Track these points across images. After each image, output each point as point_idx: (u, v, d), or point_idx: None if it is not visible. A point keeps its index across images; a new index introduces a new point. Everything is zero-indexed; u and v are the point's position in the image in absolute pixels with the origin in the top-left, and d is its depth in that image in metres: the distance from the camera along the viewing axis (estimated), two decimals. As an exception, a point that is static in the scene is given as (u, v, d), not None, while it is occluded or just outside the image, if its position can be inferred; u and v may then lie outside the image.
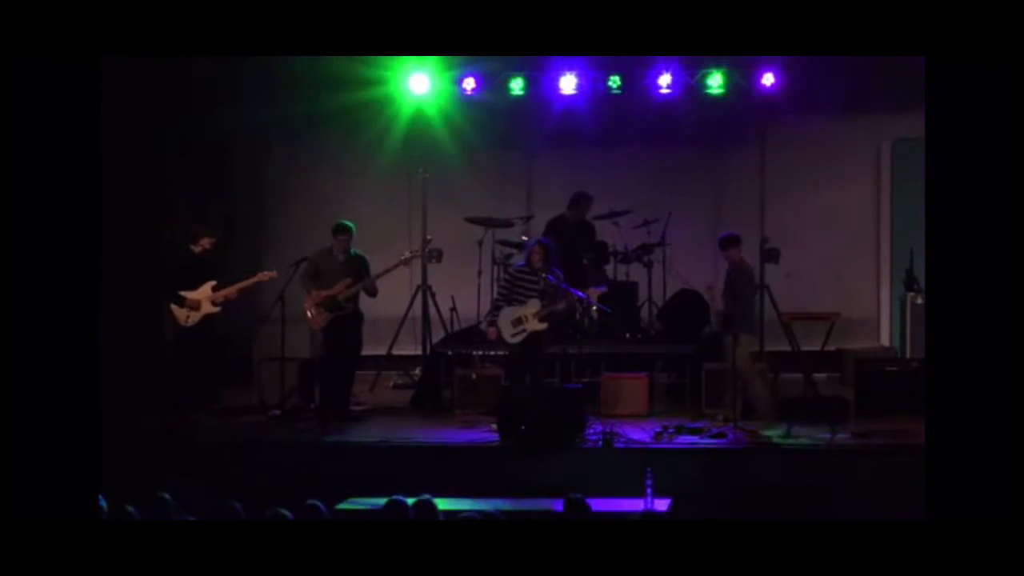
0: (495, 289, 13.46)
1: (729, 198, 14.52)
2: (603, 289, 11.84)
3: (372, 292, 11.97)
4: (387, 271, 11.95)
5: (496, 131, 14.34)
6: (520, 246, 13.00)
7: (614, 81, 13.59)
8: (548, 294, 11.36)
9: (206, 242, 12.12)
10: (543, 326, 11.41)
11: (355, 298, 11.92)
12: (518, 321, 11.42)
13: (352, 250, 11.97)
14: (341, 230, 11.90)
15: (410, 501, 7.49)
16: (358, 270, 11.92)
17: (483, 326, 12.89)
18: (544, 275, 11.37)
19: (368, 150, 14.37)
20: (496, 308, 11.68)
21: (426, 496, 7.54)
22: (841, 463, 10.53)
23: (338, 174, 14.54)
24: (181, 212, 13.87)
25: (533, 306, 11.38)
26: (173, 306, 11.97)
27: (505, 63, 13.63)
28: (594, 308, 11.69)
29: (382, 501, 7.68)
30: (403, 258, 12.04)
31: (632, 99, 13.78)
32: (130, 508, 7.25)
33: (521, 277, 11.54)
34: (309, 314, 11.92)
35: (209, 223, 12.81)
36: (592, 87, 13.67)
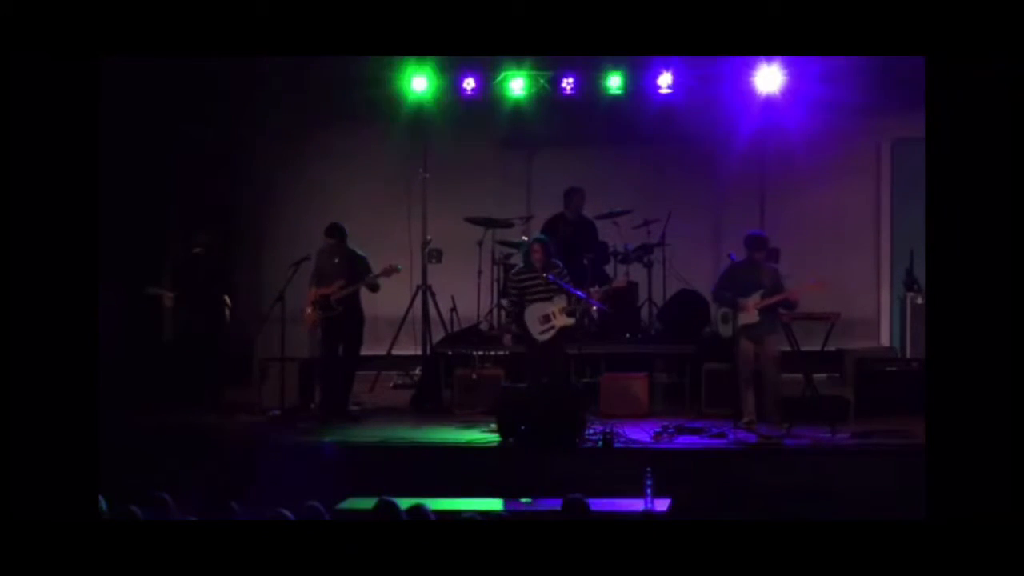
0: (495, 289, 13.49)
1: (729, 198, 14.52)
2: (623, 281, 11.80)
3: (373, 288, 11.97)
4: (376, 276, 11.92)
5: (496, 131, 14.34)
6: (519, 246, 13.01)
7: (614, 81, 13.61)
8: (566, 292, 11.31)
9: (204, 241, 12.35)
10: (571, 321, 11.35)
11: (348, 300, 11.88)
12: (546, 318, 11.33)
13: (351, 249, 11.96)
14: (330, 232, 11.90)
15: (405, 504, 7.45)
16: (355, 271, 11.90)
17: (483, 325, 12.89)
18: (545, 275, 11.33)
19: (368, 150, 14.38)
20: (513, 316, 11.58)
21: (419, 501, 7.48)
22: (841, 463, 10.52)
23: (338, 174, 14.54)
24: (181, 212, 13.90)
25: (559, 301, 11.33)
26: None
27: (505, 63, 13.63)
28: (594, 308, 11.66)
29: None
30: (386, 269, 11.95)
31: (632, 99, 13.79)
32: (135, 508, 7.25)
33: (526, 278, 11.48)
34: (305, 312, 11.95)
35: (206, 226, 12.87)
36: (592, 87, 13.68)
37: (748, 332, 11.32)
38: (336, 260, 11.92)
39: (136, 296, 12.67)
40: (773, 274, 11.48)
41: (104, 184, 7.34)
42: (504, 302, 12.14)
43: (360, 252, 12.05)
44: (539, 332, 11.35)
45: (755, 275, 11.39)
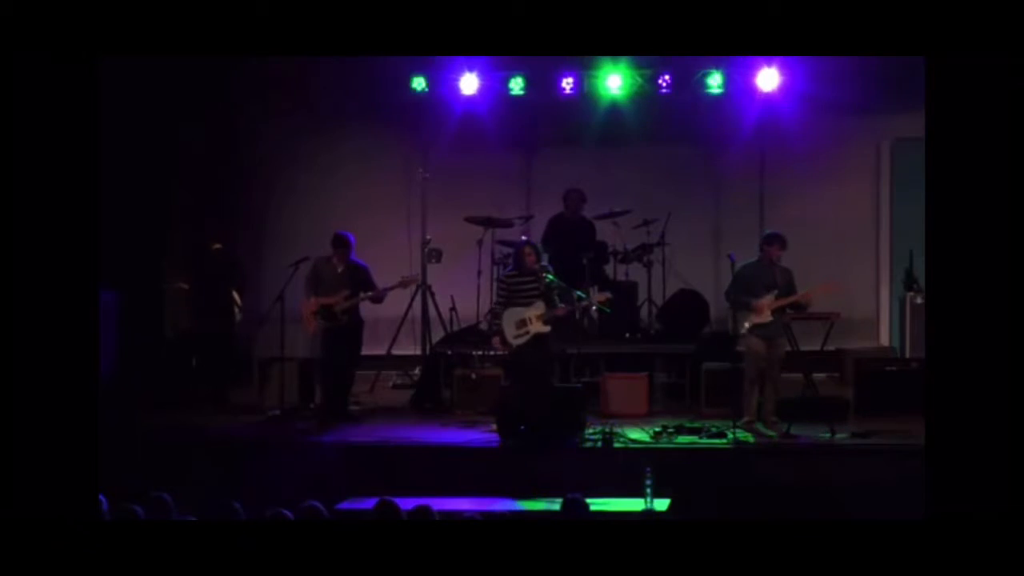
0: (494, 292, 13.48)
1: (729, 198, 14.52)
2: (607, 295, 11.77)
3: (378, 300, 11.98)
4: (389, 289, 11.94)
5: (496, 131, 14.34)
6: (519, 245, 13.01)
7: (615, 81, 13.60)
8: (549, 296, 11.31)
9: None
10: (547, 329, 11.31)
11: (352, 311, 11.87)
12: (522, 323, 11.30)
13: (354, 260, 11.94)
14: (337, 243, 11.86)
15: (409, 506, 7.46)
16: (357, 281, 11.87)
17: (483, 325, 12.93)
18: (544, 276, 11.33)
19: (368, 150, 14.38)
20: (496, 316, 11.62)
21: (424, 504, 7.49)
22: (841, 463, 10.52)
23: (338, 174, 14.53)
24: (183, 211, 13.92)
25: (537, 308, 11.28)
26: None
27: (505, 63, 13.63)
28: (594, 308, 11.65)
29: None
30: (403, 280, 11.99)
31: (633, 99, 13.78)
32: (136, 508, 7.26)
33: (516, 282, 11.46)
34: (306, 318, 11.92)
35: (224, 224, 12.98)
36: (592, 87, 13.67)
37: (760, 331, 11.25)
38: (339, 270, 11.89)
39: (136, 295, 12.68)
40: (786, 274, 11.44)
41: (104, 184, 7.34)
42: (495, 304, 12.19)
43: (361, 262, 12.01)
44: (513, 336, 11.31)
45: (770, 274, 11.35)
